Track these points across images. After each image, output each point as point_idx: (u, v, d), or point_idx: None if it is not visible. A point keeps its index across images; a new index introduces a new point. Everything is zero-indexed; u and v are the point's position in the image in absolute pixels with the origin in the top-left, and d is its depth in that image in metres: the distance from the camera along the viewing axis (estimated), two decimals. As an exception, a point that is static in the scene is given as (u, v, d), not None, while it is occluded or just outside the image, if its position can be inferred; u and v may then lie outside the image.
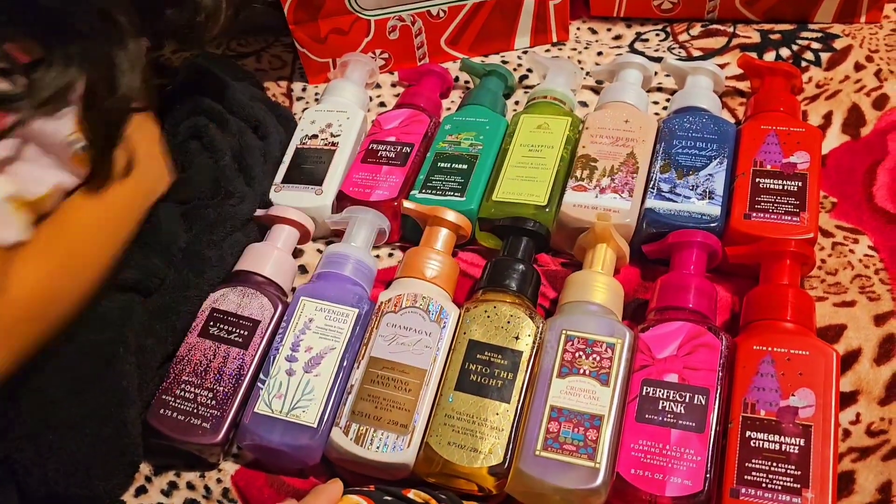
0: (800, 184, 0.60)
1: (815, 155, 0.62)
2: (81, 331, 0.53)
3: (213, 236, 0.62)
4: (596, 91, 0.79)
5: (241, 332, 0.58)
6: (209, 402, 0.55)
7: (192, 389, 0.56)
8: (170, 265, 0.59)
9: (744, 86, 0.76)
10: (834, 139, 0.69)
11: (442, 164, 0.69)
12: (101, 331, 0.54)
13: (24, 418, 0.50)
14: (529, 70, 0.82)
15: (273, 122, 0.73)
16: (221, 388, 0.56)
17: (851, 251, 0.61)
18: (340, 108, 0.75)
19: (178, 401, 0.55)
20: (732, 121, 0.71)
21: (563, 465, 0.49)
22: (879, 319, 0.56)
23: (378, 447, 0.52)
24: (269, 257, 0.62)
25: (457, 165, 0.68)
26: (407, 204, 0.65)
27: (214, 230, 0.62)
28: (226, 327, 0.58)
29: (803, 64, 0.76)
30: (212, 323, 0.59)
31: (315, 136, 0.73)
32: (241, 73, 0.81)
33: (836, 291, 0.59)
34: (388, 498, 0.45)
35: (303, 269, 0.67)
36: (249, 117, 0.71)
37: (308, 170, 0.70)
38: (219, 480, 0.55)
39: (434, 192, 0.67)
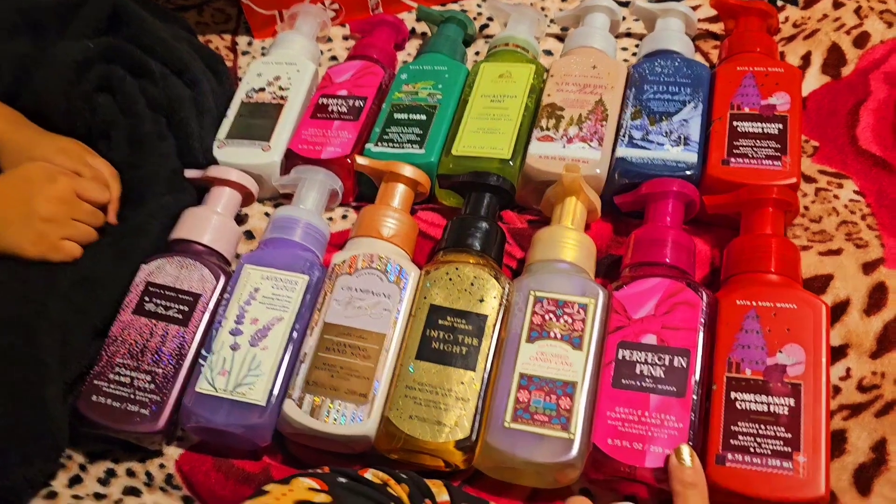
0: (780, 126, 0.57)
1: (795, 96, 0.59)
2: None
3: (135, 199, 0.57)
4: (561, 39, 0.74)
5: (181, 307, 0.53)
6: (147, 385, 0.51)
7: (128, 372, 0.51)
8: None
9: (717, 28, 0.72)
10: (814, 80, 0.65)
11: (399, 116, 0.64)
12: (21, 302, 0.49)
13: None
14: (490, 19, 0.77)
15: (200, 67, 0.66)
16: (161, 371, 0.51)
17: (836, 196, 0.58)
18: (289, 61, 0.69)
19: (112, 385, 0.51)
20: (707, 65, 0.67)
21: (535, 436, 0.46)
22: (868, 268, 0.53)
23: (335, 419, 0.48)
24: (208, 223, 0.57)
25: (415, 116, 0.64)
26: (360, 160, 0.60)
27: (142, 193, 0.57)
28: (163, 303, 0.53)
29: (779, 3, 0.72)
30: (147, 298, 0.54)
31: (262, 90, 0.68)
32: (170, 17, 0.73)
33: (820, 240, 0.55)
34: (343, 480, 0.42)
35: (249, 235, 0.62)
36: (173, 60, 0.64)
37: (254, 125, 0.65)
38: (161, 466, 0.51)
39: (391, 144, 0.62)
